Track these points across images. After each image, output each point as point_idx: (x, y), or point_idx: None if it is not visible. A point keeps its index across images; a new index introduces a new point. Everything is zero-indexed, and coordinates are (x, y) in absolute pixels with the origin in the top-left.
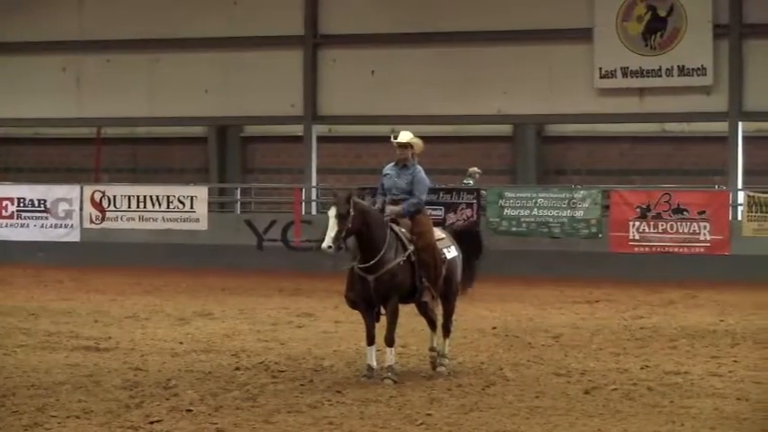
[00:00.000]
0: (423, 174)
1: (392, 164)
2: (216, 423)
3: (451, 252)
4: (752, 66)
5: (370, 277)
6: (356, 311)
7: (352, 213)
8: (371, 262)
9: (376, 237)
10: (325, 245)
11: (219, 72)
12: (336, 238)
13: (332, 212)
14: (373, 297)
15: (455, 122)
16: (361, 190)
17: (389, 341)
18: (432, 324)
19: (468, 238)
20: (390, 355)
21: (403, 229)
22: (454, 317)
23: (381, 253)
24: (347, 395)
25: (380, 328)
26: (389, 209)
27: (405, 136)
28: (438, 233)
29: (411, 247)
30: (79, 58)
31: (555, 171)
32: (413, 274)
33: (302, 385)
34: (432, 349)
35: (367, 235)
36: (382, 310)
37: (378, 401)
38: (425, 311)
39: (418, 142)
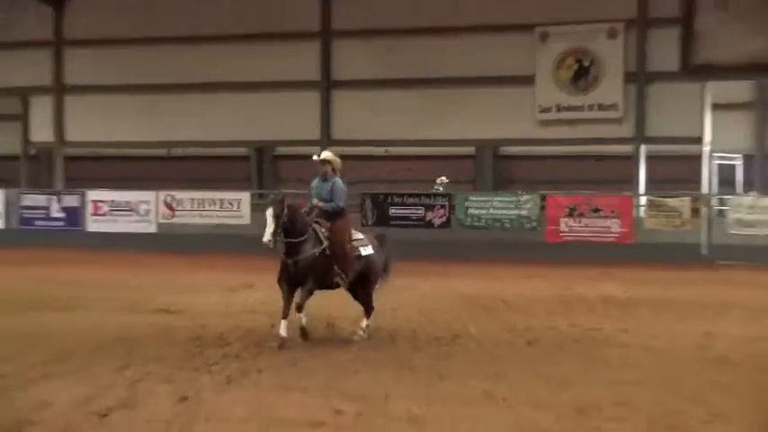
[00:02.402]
0: (341, 183)
1: (317, 178)
2: (257, 365)
3: (368, 250)
4: (651, 103)
5: (290, 261)
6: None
7: (285, 212)
8: (293, 251)
9: (299, 231)
10: (265, 239)
11: (258, 107)
12: (274, 233)
13: (269, 212)
14: (293, 279)
15: (432, 145)
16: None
17: (299, 308)
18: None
19: (379, 251)
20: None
21: (323, 229)
22: (374, 298)
23: (302, 245)
24: (352, 347)
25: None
26: (315, 202)
27: (325, 154)
28: (357, 235)
29: (326, 243)
30: (157, 97)
31: (506, 181)
32: (329, 263)
33: (319, 337)
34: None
35: (292, 229)
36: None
37: (374, 350)
38: (358, 298)
39: (336, 159)
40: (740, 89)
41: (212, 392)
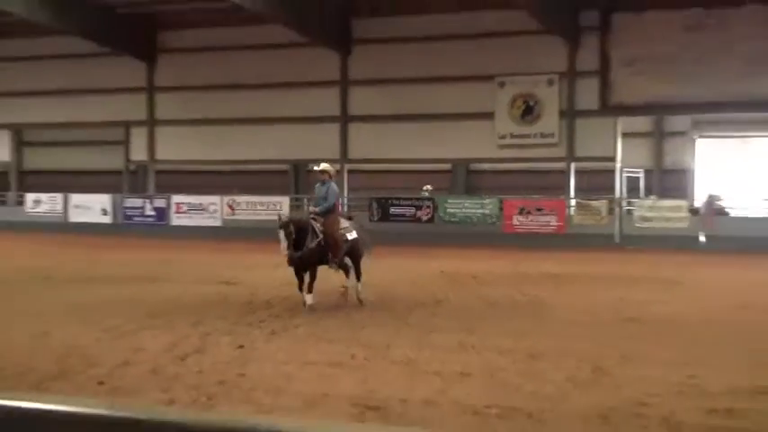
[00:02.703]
0: (335, 187)
1: (318, 183)
2: (293, 322)
3: (353, 235)
4: (578, 132)
5: (296, 255)
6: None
7: (292, 229)
8: (297, 247)
9: (302, 235)
10: (284, 253)
11: (294, 135)
12: (289, 247)
13: (281, 234)
14: (299, 267)
15: (420, 162)
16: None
17: (310, 288)
18: (346, 272)
19: (361, 232)
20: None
21: (317, 224)
22: (363, 270)
23: (303, 241)
24: (362, 309)
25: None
26: (312, 209)
27: (323, 165)
28: (343, 223)
29: (321, 236)
30: (222, 128)
31: (474, 188)
32: (324, 251)
33: (337, 303)
34: (343, 286)
35: (297, 236)
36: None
37: (379, 311)
38: (341, 266)
39: (331, 169)
40: (641, 122)
41: (261, 342)
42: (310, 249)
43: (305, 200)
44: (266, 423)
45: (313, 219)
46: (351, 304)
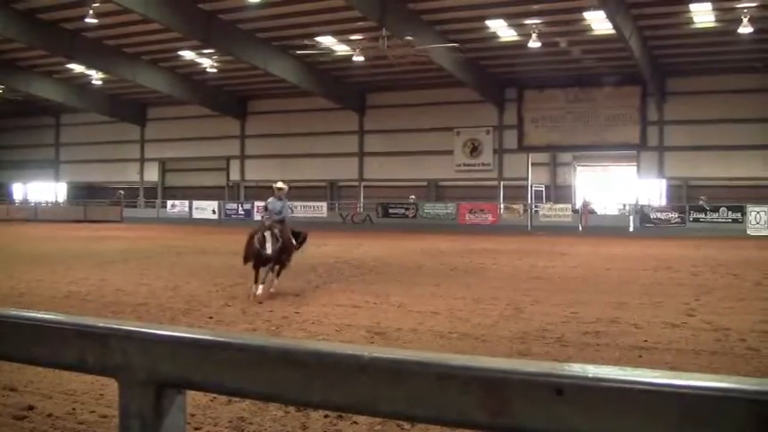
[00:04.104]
0: (288, 203)
1: (272, 197)
2: (330, 281)
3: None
4: (504, 162)
5: (264, 253)
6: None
7: (277, 232)
8: (273, 246)
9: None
10: (270, 252)
11: (330, 164)
12: (273, 246)
13: (268, 234)
14: (264, 263)
15: (408, 181)
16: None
17: (261, 280)
18: (280, 270)
19: (297, 235)
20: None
21: (276, 230)
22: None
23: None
24: (373, 269)
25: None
26: (272, 217)
27: (280, 184)
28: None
29: (280, 240)
30: (284, 159)
31: (441, 197)
32: (281, 252)
33: (348, 273)
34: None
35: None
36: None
37: (382, 274)
38: (284, 265)
39: (285, 187)
40: (543, 156)
41: (310, 292)
42: (275, 250)
43: (336, 205)
44: (321, 346)
45: (272, 227)
46: (369, 272)
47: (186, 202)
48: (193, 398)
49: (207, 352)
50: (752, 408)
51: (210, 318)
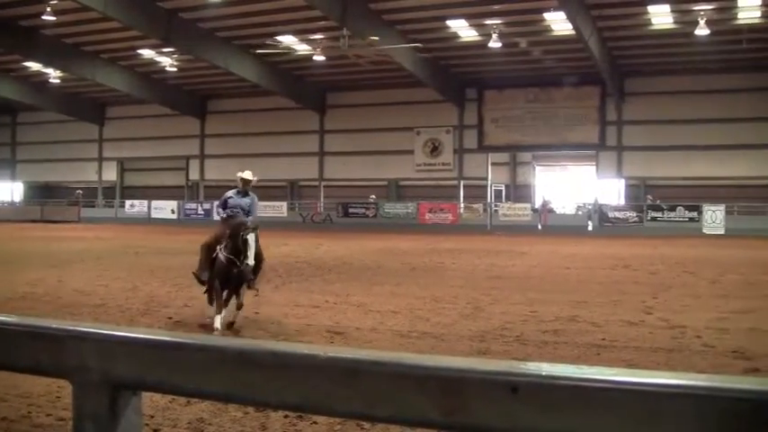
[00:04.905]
0: (257, 199)
1: (234, 191)
2: (290, 281)
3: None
4: (465, 162)
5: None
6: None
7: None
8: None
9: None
10: (251, 263)
11: (290, 163)
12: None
13: (251, 237)
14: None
15: (369, 181)
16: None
17: (226, 304)
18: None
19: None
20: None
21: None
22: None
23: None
24: (332, 269)
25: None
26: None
27: (247, 174)
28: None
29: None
30: (245, 159)
31: (402, 196)
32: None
33: (311, 273)
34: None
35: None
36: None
37: (343, 273)
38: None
39: (253, 178)
40: (502, 156)
41: (269, 292)
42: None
43: (297, 205)
44: (278, 346)
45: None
46: (328, 271)
47: (145, 202)
48: (152, 399)
49: (163, 353)
50: (705, 403)
51: (170, 318)
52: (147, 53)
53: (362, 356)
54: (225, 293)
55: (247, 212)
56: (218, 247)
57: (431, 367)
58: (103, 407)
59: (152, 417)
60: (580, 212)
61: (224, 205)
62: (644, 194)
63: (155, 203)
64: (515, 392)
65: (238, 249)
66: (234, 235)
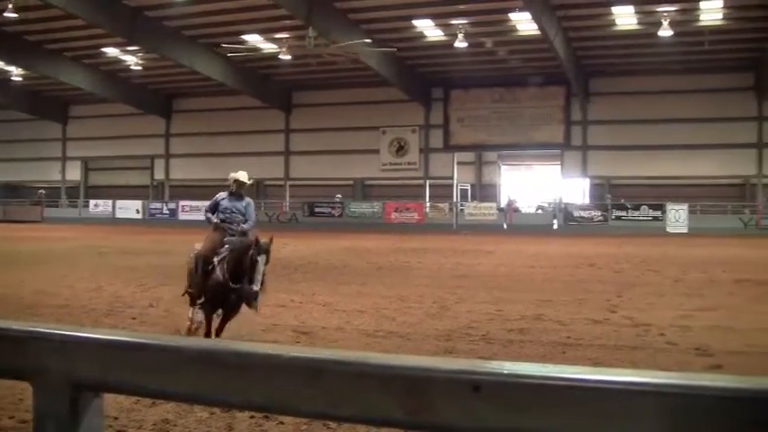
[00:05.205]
0: (253, 203)
1: (225, 193)
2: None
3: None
4: (431, 162)
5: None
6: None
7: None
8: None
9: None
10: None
11: (257, 162)
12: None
13: (261, 261)
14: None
15: (335, 180)
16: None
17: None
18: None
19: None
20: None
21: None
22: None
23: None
24: (299, 269)
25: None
26: (244, 227)
27: (242, 175)
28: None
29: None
30: (211, 159)
31: (368, 196)
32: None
33: (282, 273)
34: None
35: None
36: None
37: (308, 273)
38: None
39: (249, 182)
40: (468, 155)
41: None
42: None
43: (262, 204)
44: (241, 346)
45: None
46: (295, 270)
47: (109, 202)
48: (116, 400)
49: (125, 353)
50: (668, 401)
51: (134, 319)
52: (111, 51)
53: (326, 356)
54: (215, 317)
55: (245, 219)
56: (214, 259)
57: (395, 366)
58: (64, 408)
59: (116, 418)
60: (539, 211)
61: (214, 209)
62: (608, 194)
63: (119, 203)
64: (477, 391)
65: (242, 270)
66: (240, 253)
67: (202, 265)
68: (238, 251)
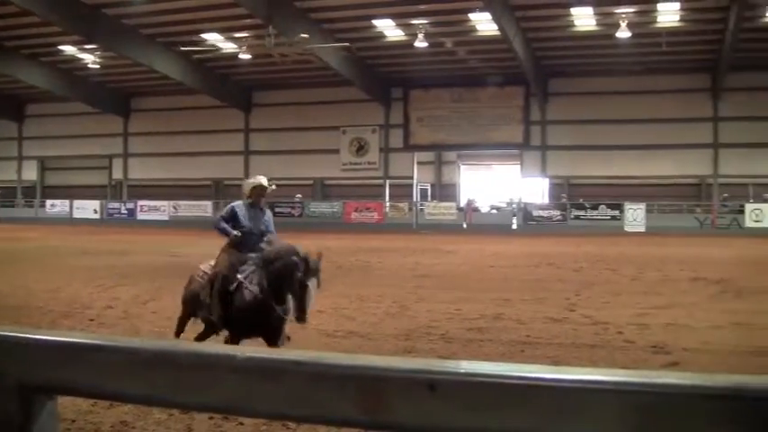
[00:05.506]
0: (271, 215)
1: (240, 202)
2: None
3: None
4: (390, 161)
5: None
6: None
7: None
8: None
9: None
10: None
11: (217, 162)
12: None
13: (313, 283)
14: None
15: (294, 180)
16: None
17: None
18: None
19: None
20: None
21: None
22: None
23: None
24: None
25: None
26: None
27: (262, 179)
28: None
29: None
30: (169, 158)
31: (328, 196)
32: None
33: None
34: None
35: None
36: None
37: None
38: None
39: (271, 187)
40: (428, 155)
41: None
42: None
43: (222, 204)
44: (196, 347)
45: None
46: None
47: (67, 202)
48: (74, 403)
49: (78, 355)
50: (626, 398)
51: (92, 320)
52: (69, 49)
53: (282, 356)
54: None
55: (264, 231)
56: (238, 276)
57: (350, 366)
58: (16, 412)
59: (73, 421)
60: (494, 211)
61: (230, 219)
62: (563, 194)
63: (77, 203)
64: (433, 390)
65: (282, 293)
66: (283, 276)
67: (222, 283)
68: (283, 271)
